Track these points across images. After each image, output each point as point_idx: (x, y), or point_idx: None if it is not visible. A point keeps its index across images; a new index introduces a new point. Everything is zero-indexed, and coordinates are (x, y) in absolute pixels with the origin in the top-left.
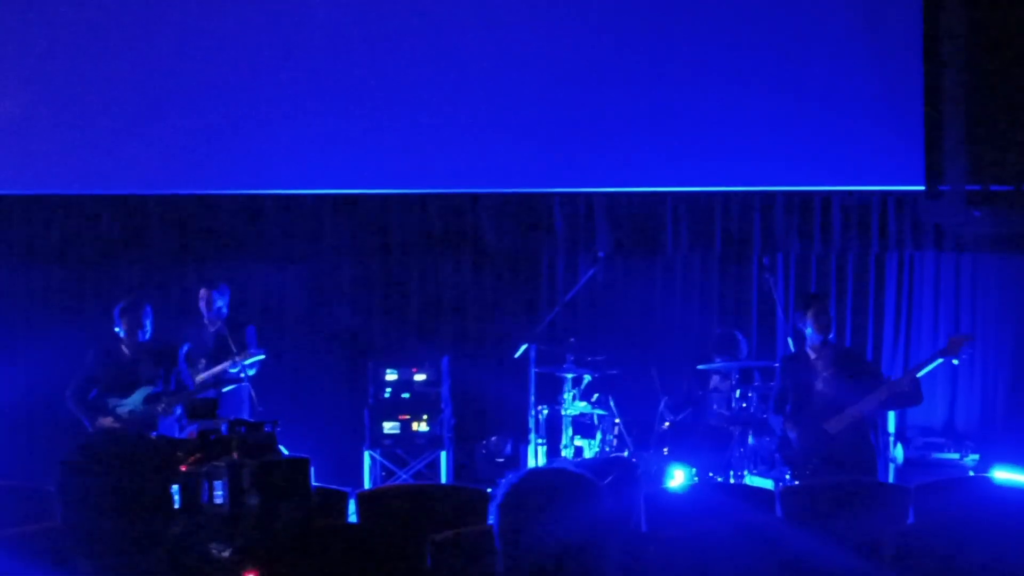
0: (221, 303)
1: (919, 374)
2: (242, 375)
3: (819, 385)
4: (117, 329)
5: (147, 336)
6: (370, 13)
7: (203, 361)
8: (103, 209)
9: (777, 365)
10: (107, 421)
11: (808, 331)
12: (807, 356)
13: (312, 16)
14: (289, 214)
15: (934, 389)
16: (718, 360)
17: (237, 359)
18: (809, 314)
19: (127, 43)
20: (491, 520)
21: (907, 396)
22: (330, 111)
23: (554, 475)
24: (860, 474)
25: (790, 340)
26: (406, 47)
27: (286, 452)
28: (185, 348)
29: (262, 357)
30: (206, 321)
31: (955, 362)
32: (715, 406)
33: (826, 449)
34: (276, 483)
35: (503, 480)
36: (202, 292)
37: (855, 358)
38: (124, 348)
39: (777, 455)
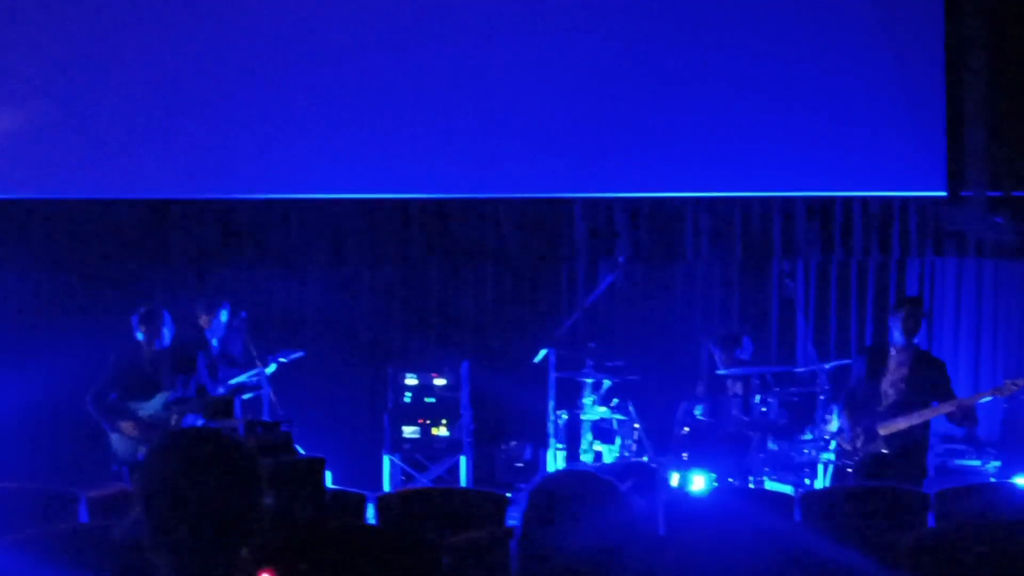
0: (224, 317)
1: (974, 403)
2: (259, 382)
3: (887, 384)
4: (138, 335)
5: (165, 343)
6: (393, 22)
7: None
8: (125, 214)
9: (856, 357)
10: (127, 425)
11: (896, 332)
12: (887, 352)
13: (336, 26)
14: (310, 220)
15: (958, 394)
16: (720, 358)
17: (271, 356)
18: (900, 316)
19: (150, 51)
20: (510, 523)
21: (966, 419)
22: (353, 118)
23: (579, 478)
24: (904, 480)
25: (810, 346)
26: (427, 56)
27: (303, 452)
28: (203, 355)
29: (301, 354)
30: (208, 336)
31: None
32: (734, 411)
33: (871, 448)
34: (291, 482)
35: (526, 485)
36: (202, 317)
37: (934, 368)
38: (144, 353)
39: (835, 448)
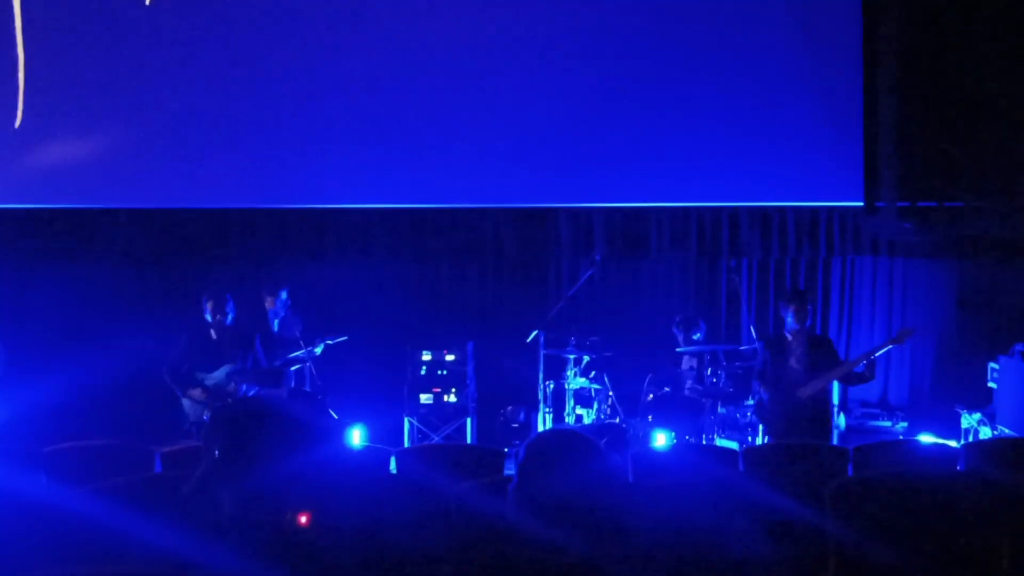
0: (282, 300)
1: (874, 355)
2: (305, 357)
3: (792, 362)
4: (206, 316)
5: (229, 322)
6: (405, 62)
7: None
8: (192, 220)
9: (759, 344)
10: (196, 392)
11: (788, 319)
12: (785, 338)
13: (356, 66)
14: (345, 225)
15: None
16: (680, 336)
17: (320, 340)
18: (792, 307)
19: (214, 88)
20: (507, 472)
21: (863, 376)
22: (380, 142)
23: (565, 435)
24: (817, 435)
25: (752, 329)
26: (440, 90)
27: (336, 417)
28: (259, 335)
29: (345, 339)
30: (271, 317)
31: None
32: (689, 382)
33: (793, 413)
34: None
35: (520, 441)
36: (267, 300)
37: (824, 343)
38: (212, 331)
39: (754, 415)
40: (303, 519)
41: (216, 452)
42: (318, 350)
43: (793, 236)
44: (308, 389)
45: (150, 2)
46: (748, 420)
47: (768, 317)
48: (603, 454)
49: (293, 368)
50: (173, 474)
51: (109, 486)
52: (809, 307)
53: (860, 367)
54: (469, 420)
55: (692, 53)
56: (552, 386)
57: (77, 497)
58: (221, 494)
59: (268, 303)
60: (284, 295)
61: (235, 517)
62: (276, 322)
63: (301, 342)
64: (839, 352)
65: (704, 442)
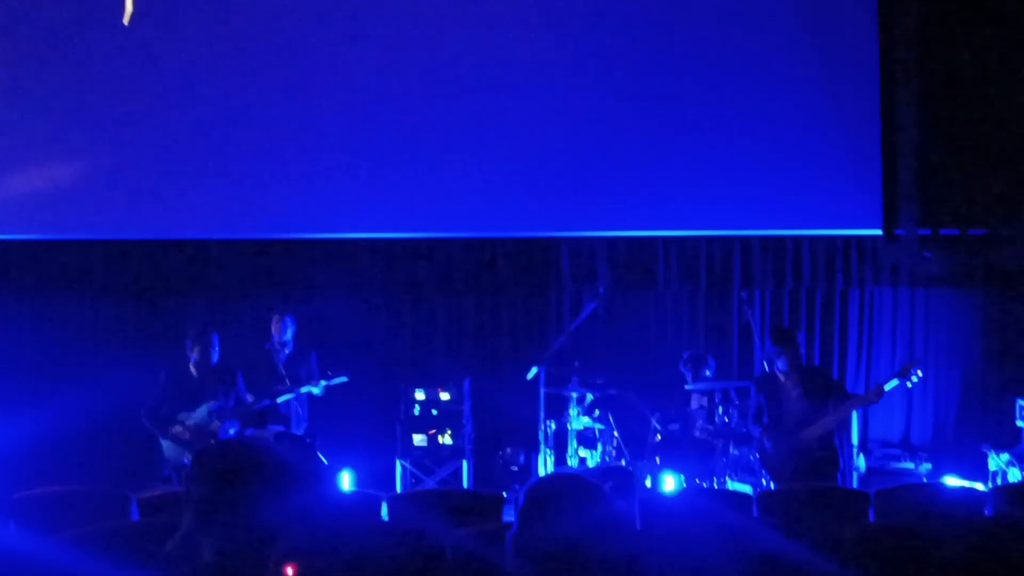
0: (290, 332)
1: (880, 390)
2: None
3: (789, 403)
4: (190, 354)
5: (215, 360)
6: (402, 82)
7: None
8: (170, 252)
9: (751, 384)
10: (178, 428)
11: (779, 362)
12: (777, 378)
13: (346, 92)
14: (332, 257)
15: (893, 407)
16: (688, 375)
17: (321, 380)
18: (779, 349)
19: (192, 104)
20: (506, 519)
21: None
22: (368, 168)
23: (567, 480)
24: (827, 478)
25: (766, 364)
26: (432, 112)
27: (325, 461)
28: (241, 372)
29: (345, 379)
30: (277, 345)
31: (909, 384)
32: (700, 421)
33: (798, 457)
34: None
35: (520, 486)
36: (275, 318)
37: (820, 375)
38: (192, 369)
39: (757, 461)
40: (289, 571)
41: (197, 498)
42: (316, 390)
43: (808, 266)
44: (296, 431)
45: (128, 22)
46: None
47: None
48: (607, 499)
49: (280, 399)
50: (150, 521)
51: (82, 534)
52: (800, 344)
53: (869, 402)
54: (466, 463)
55: (700, 73)
56: (554, 426)
57: (48, 546)
58: (201, 543)
59: (275, 328)
60: (291, 323)
61: (215, 568)
62: (286, 351)
63: (311, 379)
64: (846, 384)
65: (716, 486)
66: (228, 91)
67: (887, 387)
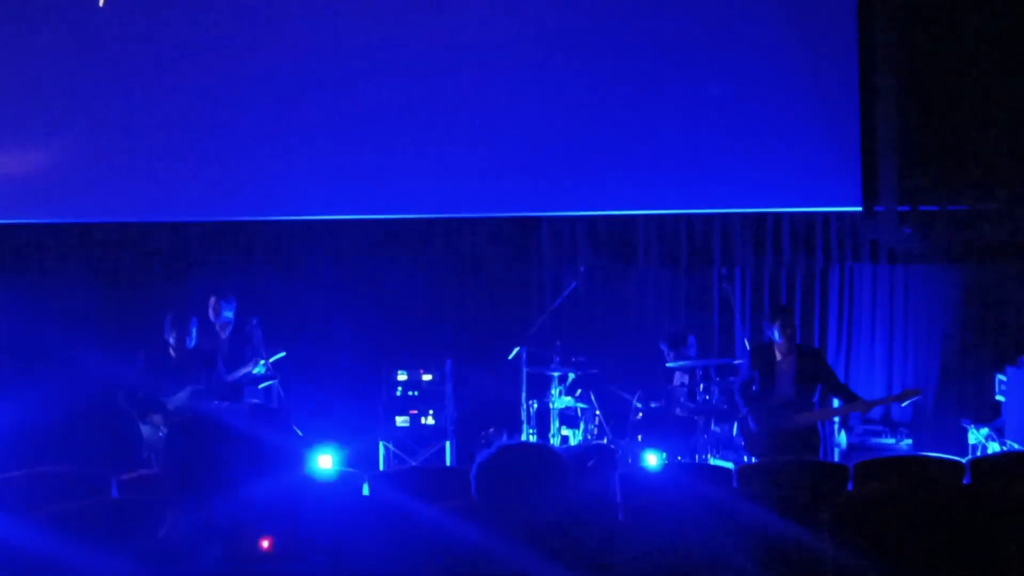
0: (229, 312)
1: (875, 405)
2: (269, 372)
3: (782, 383)
4: (168, 337)
5: (194, 343)
6: (383, 63)
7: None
8: (151, 234)
9: (748, 353)
10: (156, 417)
11: (775, 337)
12: (774, 354)
13: (334, 78)
14: (314, 239)
15: (873, 384)
16: (669, 354)
17: (262, 360)
18: (776, 325)
19: (171, 86)
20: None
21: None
22: (348, 149)
23: (524, 449)
24: (806, 454)
25: (746, 341)
26: (411, 93)
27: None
28: (220, 356)
29: (283, 355)
30: (217, 328)
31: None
32: (681, 399)
33: (780, 438)
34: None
35: (478, 454)
36: (212, 300)
37: (814, 356)
38: (172, 352)
39: (738, 432)
40: (265, 543)
41: (173, 470)
42: (258, 370)
43: (788, 243)
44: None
45: (104, 3)
46: None
47: (763, 329)
48: (567, 470)
49: (260, 386)
50: (129, 498)
51: (61, 511)
52: (796, 322)
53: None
54: (448, 443)
55: (681, 53)
56: (536, 406)
57: (25, 526)
58: (176, 516)
59: (212, 312)
60: (230, 308)
61: (190, 540)
62: (224, 334)
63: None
64: (836, 370)
65: (697, 461)
66: (209, 75)
67: (879, 404)
